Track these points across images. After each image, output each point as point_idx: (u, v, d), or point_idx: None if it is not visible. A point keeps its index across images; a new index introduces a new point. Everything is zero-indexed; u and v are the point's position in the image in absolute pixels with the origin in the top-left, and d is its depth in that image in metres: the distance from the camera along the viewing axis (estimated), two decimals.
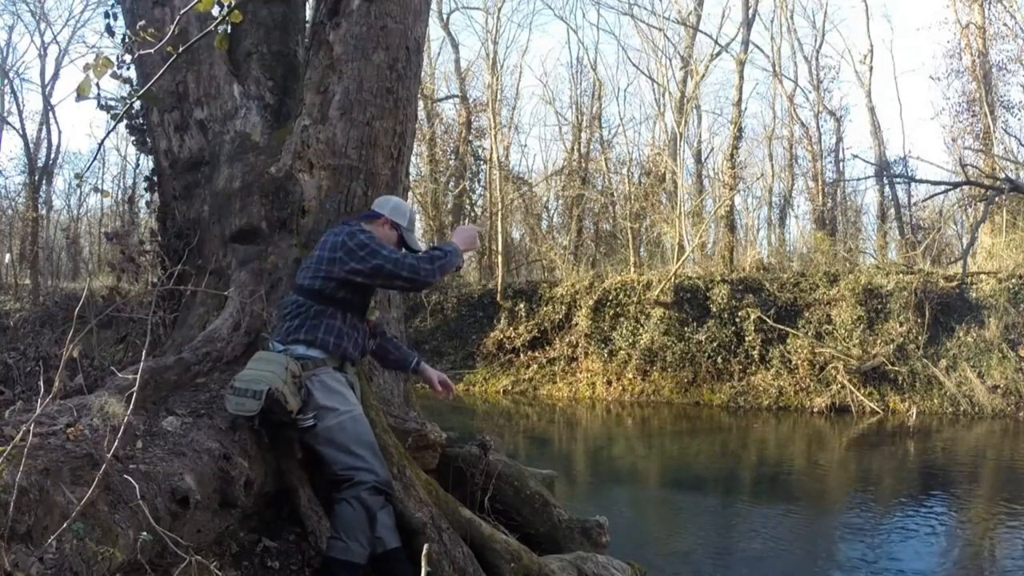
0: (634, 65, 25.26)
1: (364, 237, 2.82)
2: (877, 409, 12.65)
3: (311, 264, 2.88)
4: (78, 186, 24.64)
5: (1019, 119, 20.10)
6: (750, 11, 20.64)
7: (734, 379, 14.21)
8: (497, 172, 20.44)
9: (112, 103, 4.65)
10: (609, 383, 14.97)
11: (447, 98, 24.88)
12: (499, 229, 18.76)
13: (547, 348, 16.20)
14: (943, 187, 16.46)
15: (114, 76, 3.88)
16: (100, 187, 23.86)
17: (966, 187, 15.65)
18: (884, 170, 21.25)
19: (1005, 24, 19.52)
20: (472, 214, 24.00)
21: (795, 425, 12.22)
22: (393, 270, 2.75)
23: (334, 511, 2.68)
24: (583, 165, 23.68)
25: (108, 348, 4.56)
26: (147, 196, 4.62)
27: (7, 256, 20.24)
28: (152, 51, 2.19)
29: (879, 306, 14.09)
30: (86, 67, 1.87)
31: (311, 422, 2.69)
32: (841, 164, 23.25)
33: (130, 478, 2.03)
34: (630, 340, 15.23)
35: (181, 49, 2.05)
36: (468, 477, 3.78)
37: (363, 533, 2.61)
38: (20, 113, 23.64)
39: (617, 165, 23.91)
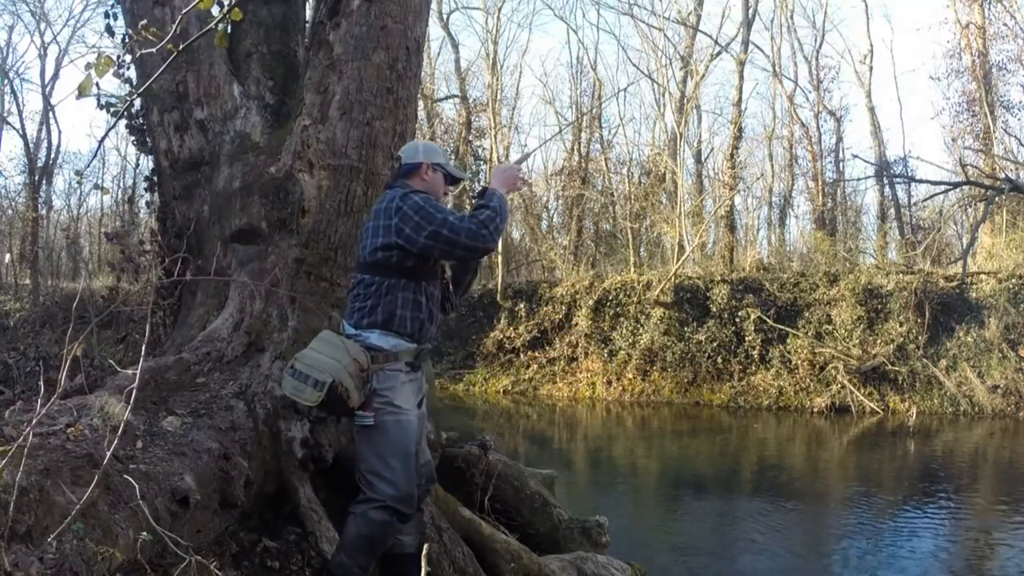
0: (634, 65, 25.21)
1: (418, 199, 2.56)
2: (877, 409, 12.63)
3: (367, 235, 2.63)
4: (78, 183, 24.65)
5: (1019, 119, 20.12)
6: (750, 11, 20.63)
7: (734, 379, 14.19)
8: None
9: (112, 101, 4.66)
10: (609, 383, 14.95)
11: (447, 98, 24.86)
12: None
13: (547, 348, 16.19)
14: (943, 187, 16.44)
15: (116, 75, 3.89)
16: (100, 184, 23.89)
17: (966, 187, 15.62)
18: (884, 170, 21.24)
19: (1005, 24, 19.52)
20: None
21: (795, 425, 12.21)
22: (451, 236, 2.49)
23: (345, 521, 2.55)
24: (583, 165, 23.67)
25: (108, 348, 4.56)
26: (147, 196, 4.63)
27: (7, 256, 20.21)
28: (153, 50, 2.19)
29: (879, 306, 14.08)
30: (88, 65, 1.87)
31: (370, 421, 2.47)
32: (841, 164, 23.25)
33: (130, 478, 2.03)
34: (630, 340, 15.22)
35: (182, 47, 2.05)
36: (468, 477, 3.78)
37: (362, 553, 2.46)
38: (20, 113, 23.58)
39: (617, 165, 23.92)
